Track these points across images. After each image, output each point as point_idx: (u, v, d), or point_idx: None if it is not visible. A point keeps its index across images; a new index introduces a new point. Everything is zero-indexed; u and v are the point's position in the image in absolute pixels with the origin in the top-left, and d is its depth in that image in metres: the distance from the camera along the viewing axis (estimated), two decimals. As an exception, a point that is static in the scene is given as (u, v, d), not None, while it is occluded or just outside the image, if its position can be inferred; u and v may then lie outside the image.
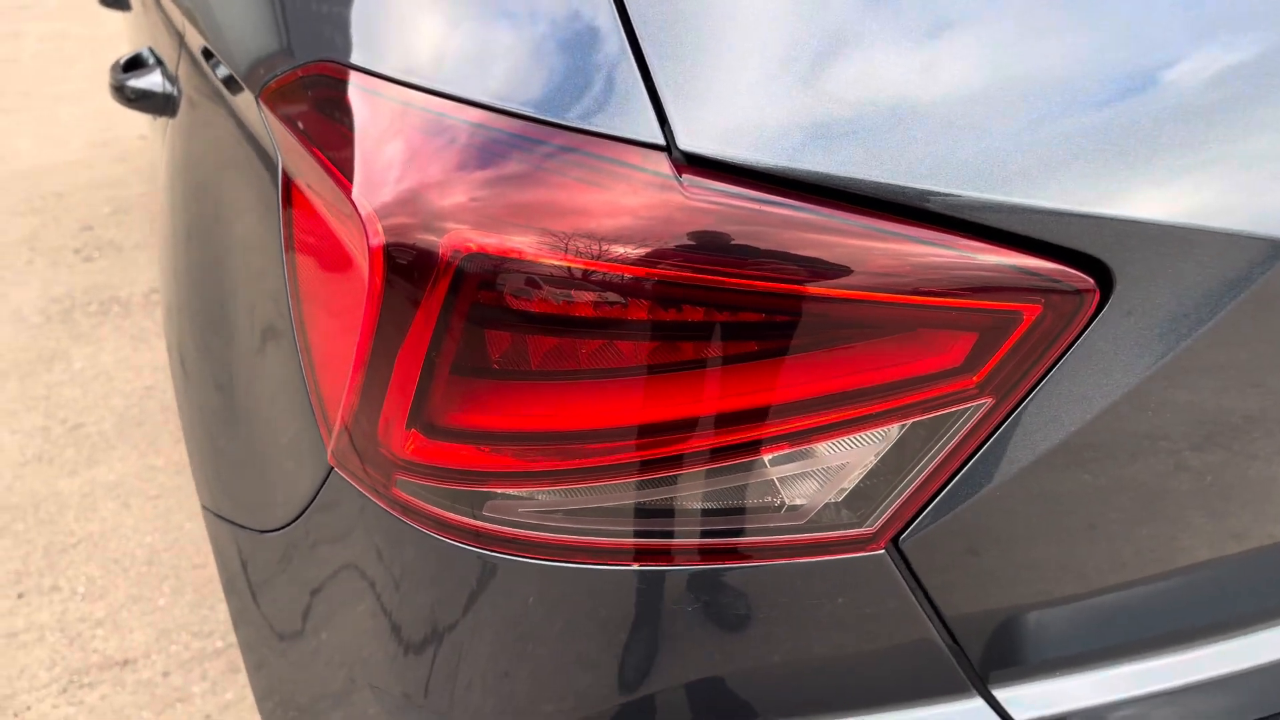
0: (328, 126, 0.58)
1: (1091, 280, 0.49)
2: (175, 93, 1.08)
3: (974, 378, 0.51)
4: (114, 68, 1.24)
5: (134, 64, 1.23)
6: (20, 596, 1.99)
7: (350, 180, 0.55)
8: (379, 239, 0.52)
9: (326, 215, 0.58)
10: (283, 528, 0.70)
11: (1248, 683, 0.65)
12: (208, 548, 2.09)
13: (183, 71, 1.01)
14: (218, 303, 0.77)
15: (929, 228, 0.49)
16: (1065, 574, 0.58)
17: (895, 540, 0.54)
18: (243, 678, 1.82)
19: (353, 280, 0.56)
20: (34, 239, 3.41)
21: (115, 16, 5.83)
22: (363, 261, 0.54)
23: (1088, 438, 0.52)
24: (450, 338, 0.52)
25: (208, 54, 0.88)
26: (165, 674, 1.83)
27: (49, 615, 1.94)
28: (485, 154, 0.51)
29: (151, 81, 1.15)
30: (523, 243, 0.50)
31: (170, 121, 1.09)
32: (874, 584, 0.55)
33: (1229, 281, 0.50)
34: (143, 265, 3.22)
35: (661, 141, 0.49)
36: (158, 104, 1.14)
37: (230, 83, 0.77)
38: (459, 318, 0.52)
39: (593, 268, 0.49)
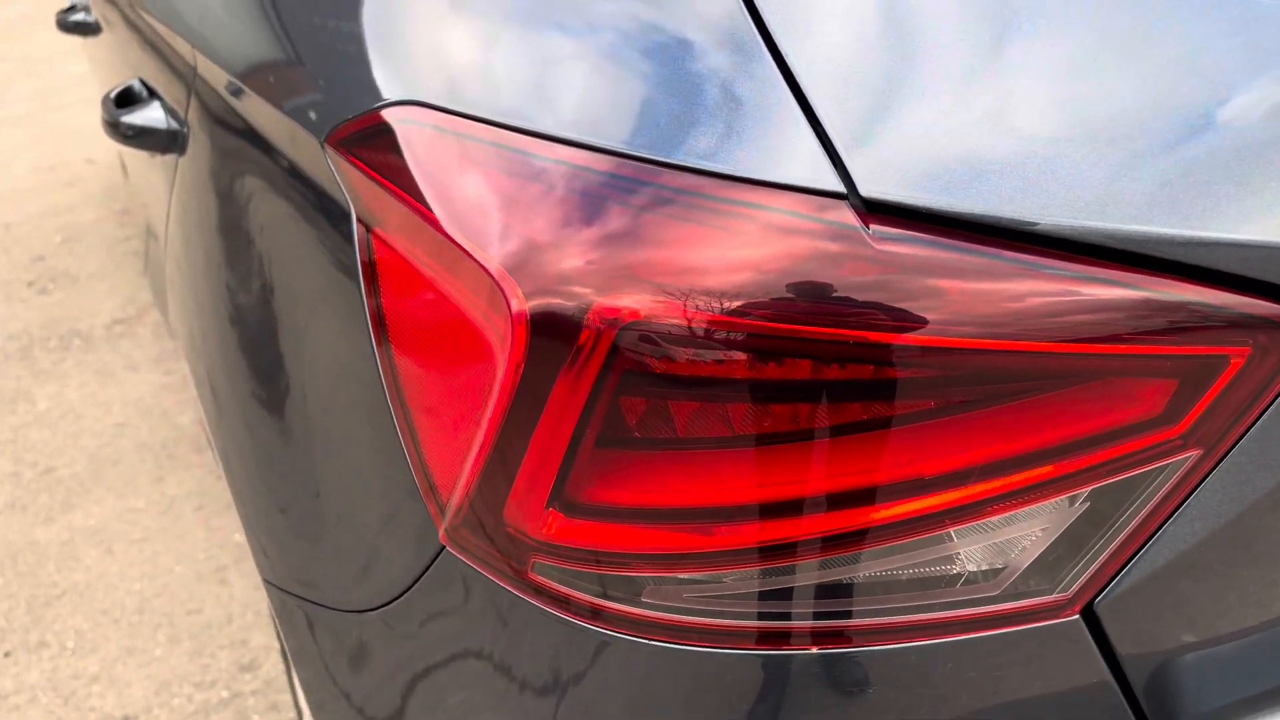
0: (428, 177, 0.53)
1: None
2: (183, 129, 1.01)
3: (1178, 428, 0.47)
4: (105, 102, 1.16)
5: (126, 98, 1.15)
6: (6, 655, 1.89)
7: (473, 239, 0.49)
8: (521, 305, 0.47)
9: (433, 276, 0.53)
10: (377, 609, 0.64)
11: None
12: (201, 590, 2.01)
13: (196, 108, 0.94)
14: (279, 367, 0.70)
15: (1126, 269, 0.45)
16: (1235, 613, 0.55)
17: (1090, 604, 0.50)
18: (253, 729, 1.74)
19: (471, 346, 0.51)
20: (-16, 272, 3.28)
21: (55, 38, 5.63)
22: (493, 327, 0.48)
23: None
24: (599, 409, 0.47)
25: (235, 90, 0.81)
26: (171, 731, 1.74)
27: (39, 674, 1.85)
28: (637, 210, 0.46)
29: (151, 117, 1.08)
30: (685, 306, 0.45)
31: (179, 159, 1.02)
32: (1064, 653, 0.51)
33: None
34: (101, 295, 3.10)
35: (841, 189, 0.45)
36: (160, 141, 1.06)
37: (278, 124, 0.71)
38: (610, 388, 0.47)
39: (766, 329, 0.45)
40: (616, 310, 0.45)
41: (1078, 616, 0.50)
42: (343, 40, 0.66)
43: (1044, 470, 0.47)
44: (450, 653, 0.61)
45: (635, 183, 0.46)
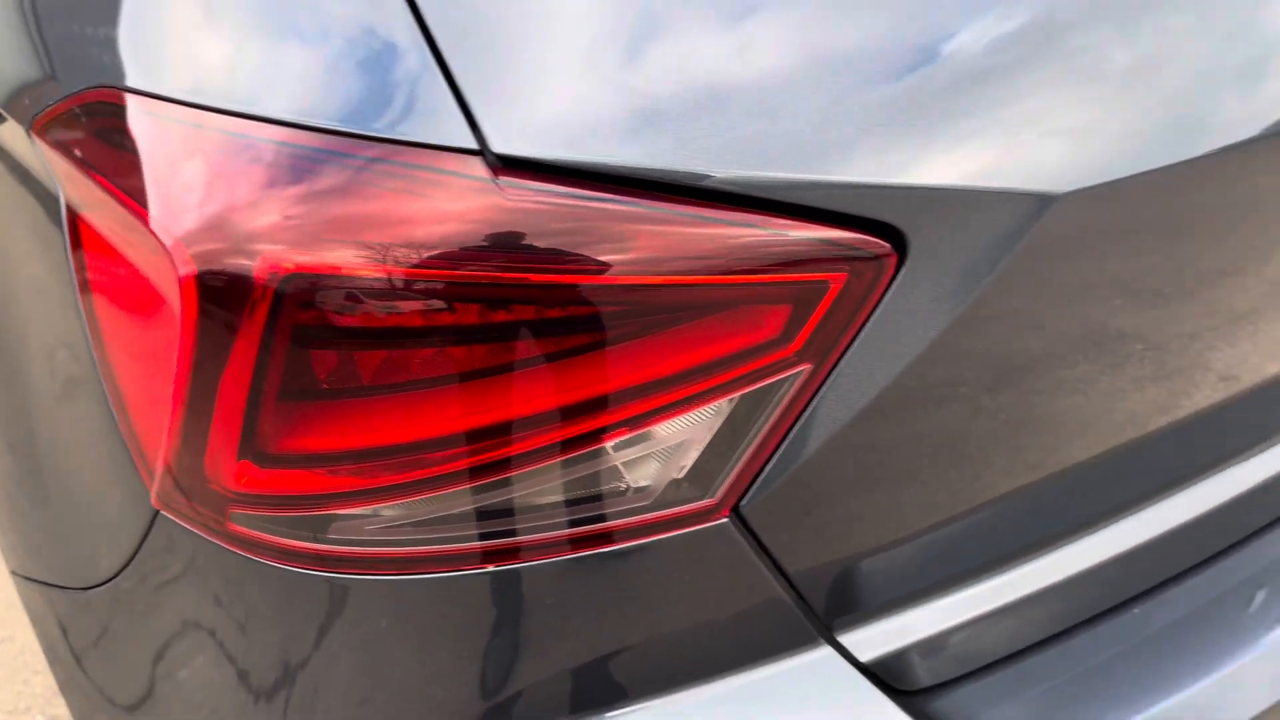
0: (114, 155, 0.55)
1: (888, 245, 0.53)
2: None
3: (792, 346, 0.54)
4: None
5: None
6: None
7: (147, 209, 0.52)
8: (188, 268, 0.50)
9: (123, 249, 0.55)
10: (107, 581, 0.66)
11: (1063, 593, 0.71)
12: (11, 616, 1.93)
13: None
14: (6, 355, 0.71)
15: (738, 210, 0.51)
16: (891, 520, 0.62)
17: (737, 508, 0.57)
18: (68, 752, 1.69)
19: (160, 314, 0.54)
20: None
21: None
22: (171, 293, 0.52)
23: (898, 392, 0.56)
24: (275, 362, 0.51)
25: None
26: (-23, 762, 1.68)
27: None
28: (293, 171, 0.50)
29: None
30: (341, 257, 0.49)
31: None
32: (722, 552, 0.57)
33: (1006, 235, 0.55)
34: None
35: (475, 146, 0.50)
36: None
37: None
38: (282, 341, 0.50)
39: (416, 276, 0.49)
40: (277, 267, 0.49)
41: (727, 519, 0.57)
42: (52, 29, 0.67)
43: (682, 391, 0.53)
44: (182, 619, 0.63)
45: (289, 147, 0.50)
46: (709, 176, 0.51)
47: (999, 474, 0.65)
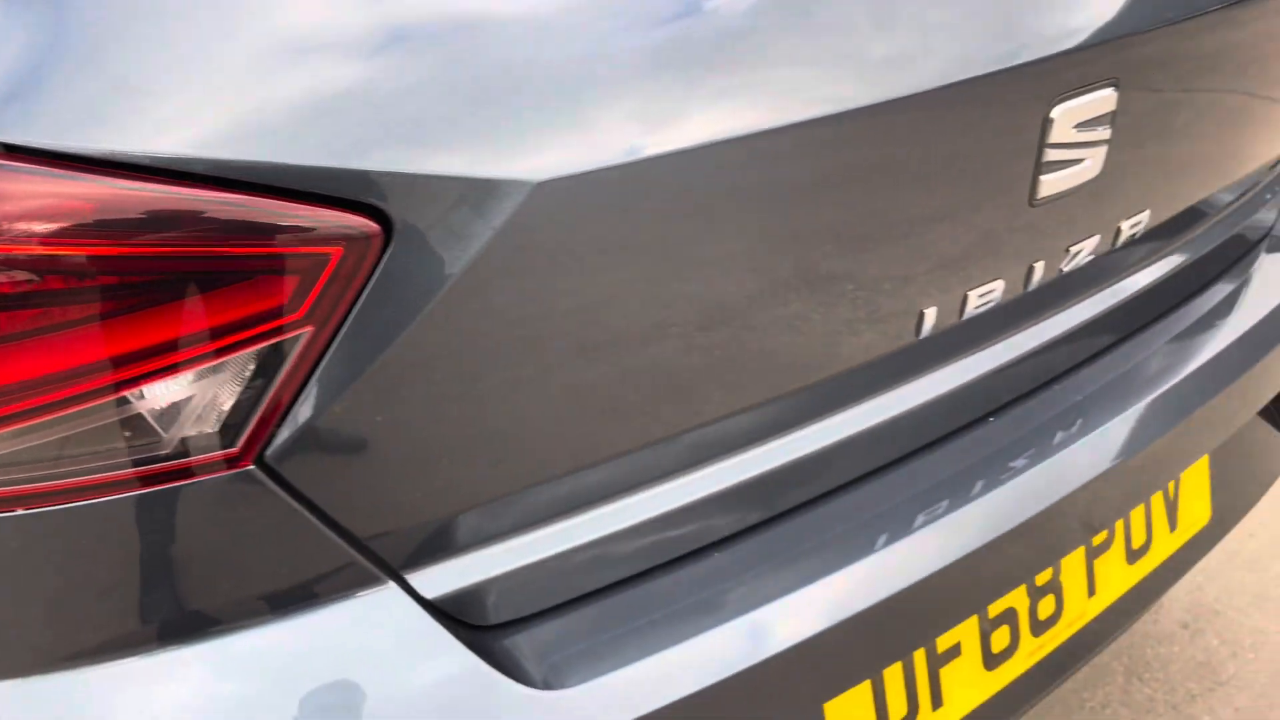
0: None
1: (376, 225, 0.61)
2: None
3: (299, 311, 0.61)
4: None
5: None
6: None
7: None
8: None
9: None
10: None
11: (643, 534, 0.79)
12: None
13: None
14: None
15: (246, 194, 0.59)
16: (441, 466, 0.69)
17: (261, 457, 0.64)
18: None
19: None
20: None
21: None
22: None
23: (408, 351, 0.63)
24: None
25: None
26: None
27: None
28: None
29: None
30: None
31: None
32: (257, 498, 0.64)
33: (488, 218, 0.63)
34: None
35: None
36: None
37: None
38: None
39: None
40: None
41: (252, 467, 0.64)
42: None
43: (206, 346, 0.60)
44: None
45: None
46: (208, 160, 0.58)
47: (538, 426, 0.71)
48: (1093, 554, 1.13)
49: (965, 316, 0.93)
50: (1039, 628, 1.09)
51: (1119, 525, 1.15)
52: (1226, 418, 1.20)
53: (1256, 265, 1.31)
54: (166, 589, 0.66)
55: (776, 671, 0.82)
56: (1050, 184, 0.91)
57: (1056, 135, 0.88)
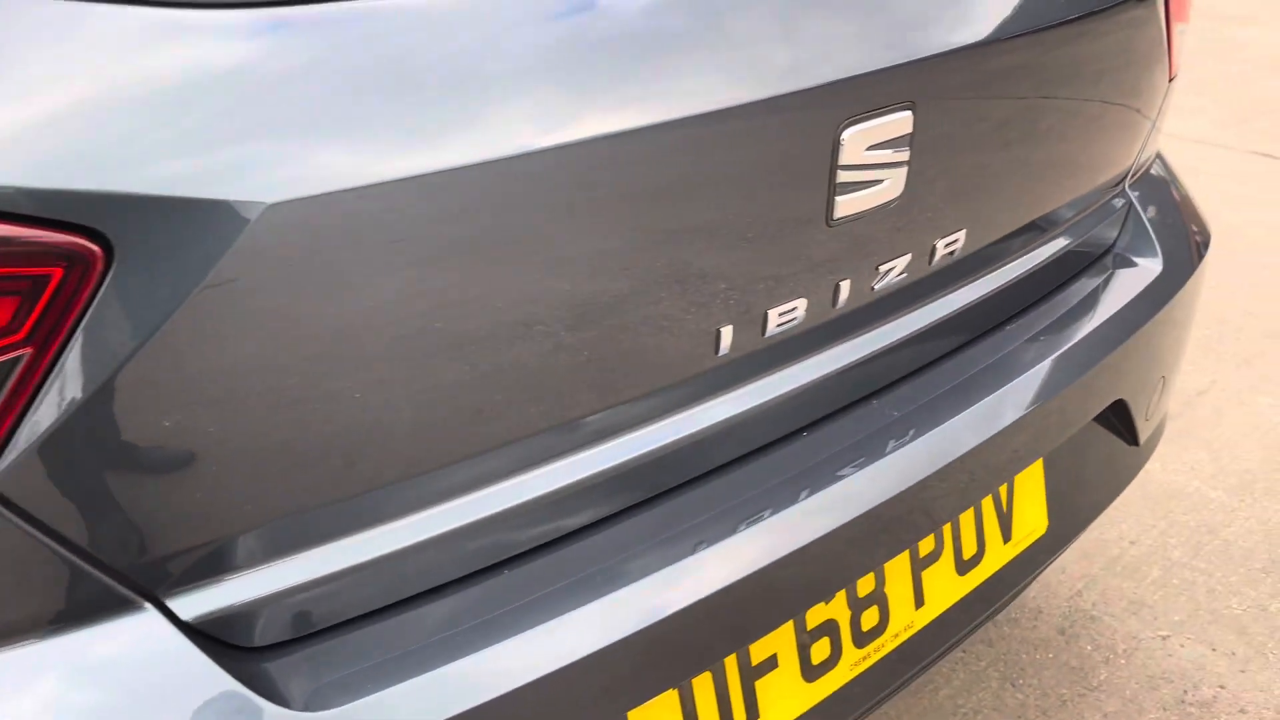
0: None
1: (97, 247, 0.61)
2: None
3: (19, 334, 0.61)
4: None
5: None
6: None
7: None
8: None
9: None
10: None
11: (415, 560, 0.80)
12: None
13: None
14: None
15: None
16: (189, 484, 0.69)
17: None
18: None
19: None
20: None
21: None
22: None
23: (138, 372, 0.63)
24: None
25: None
26: None
27: None
28: None
29: None
30: None
31: None
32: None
33: (208, 247, 0.62)
34: None
35: None
36: None
37: None
38: None
39: None
40: None
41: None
42: None
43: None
44: None
45: None
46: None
47: (289, 451, 0.71)
48: (920, 564, 1.15)
49: (768, 335, 0.94)
50: (862, 639, 1.10)
51: (948, 534, 1.17)
52: (1056, 422, 1.22)
53: (1093, 279, 1.35)
54: None
55: (568, 683, 0.83)
56: (847, 205, 0.92)
57: (848, 157, 0.90)
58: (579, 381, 0.83)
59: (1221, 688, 1.82)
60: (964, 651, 1.89)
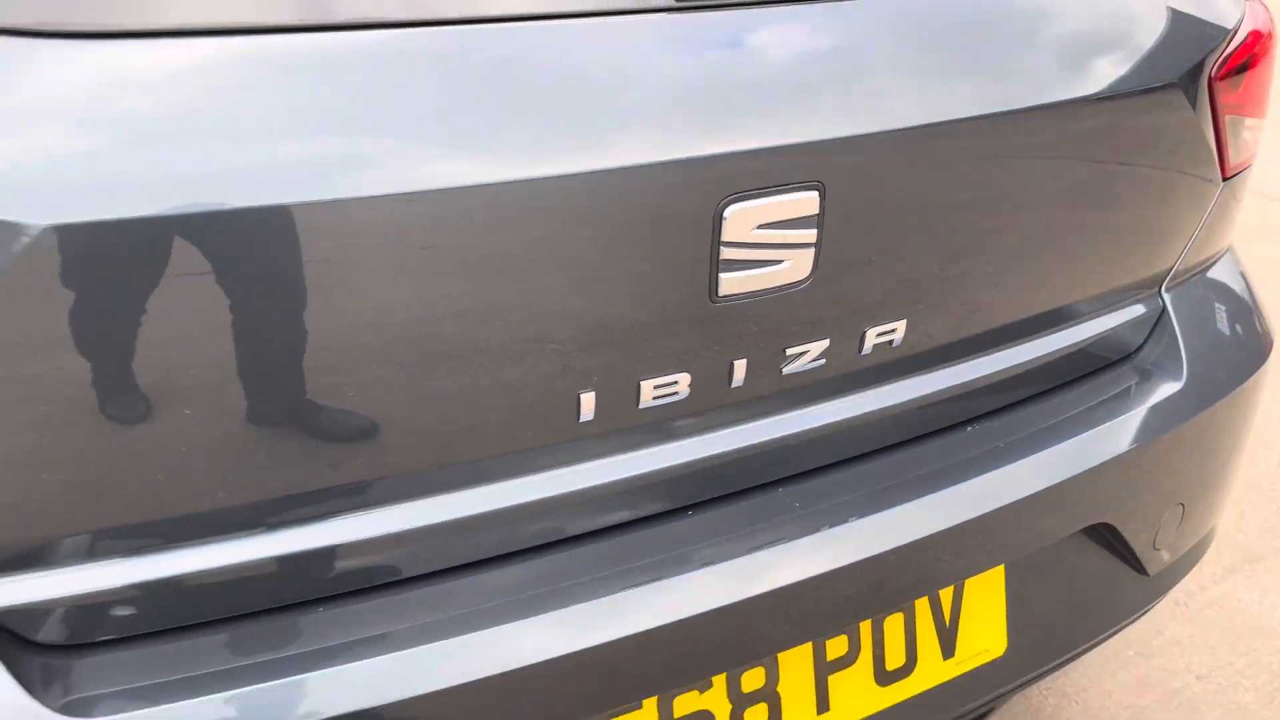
0: None
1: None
2: None
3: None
4: None
5: None
6: None
7: None
8: None
9: None
10: None
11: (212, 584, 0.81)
12: None
13: None
14: None
15: None
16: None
17: None
18: None
19: None
20: None
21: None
22: None
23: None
24: None
25: None
26: None
27: None
28: None
29: None
30: None
31: None
32: None
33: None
34: None
35: None
36: None
37: None
38: None
39: None
40: None
41: None
42: None
43: None
44: None
45: None
46: None
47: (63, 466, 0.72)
48: (827, 667, 1.08)
49: (642, 405, 0.91)
50: (747, 737, 1.04)
51: (865, 637, 1.09)
52: (1012, 533, 1.12)
53: (1097, 386, 1.23)
54: None
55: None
56: (734, 282, 0.88)
57: (731, 234, 0.86)
58: (429, 431, 0.83)
59: None
60: (974, 764, 1.76)
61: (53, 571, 0.77)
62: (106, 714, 0.76)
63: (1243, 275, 1.45)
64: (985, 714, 1.31)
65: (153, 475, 0.76)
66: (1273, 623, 2.07)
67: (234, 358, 0.74)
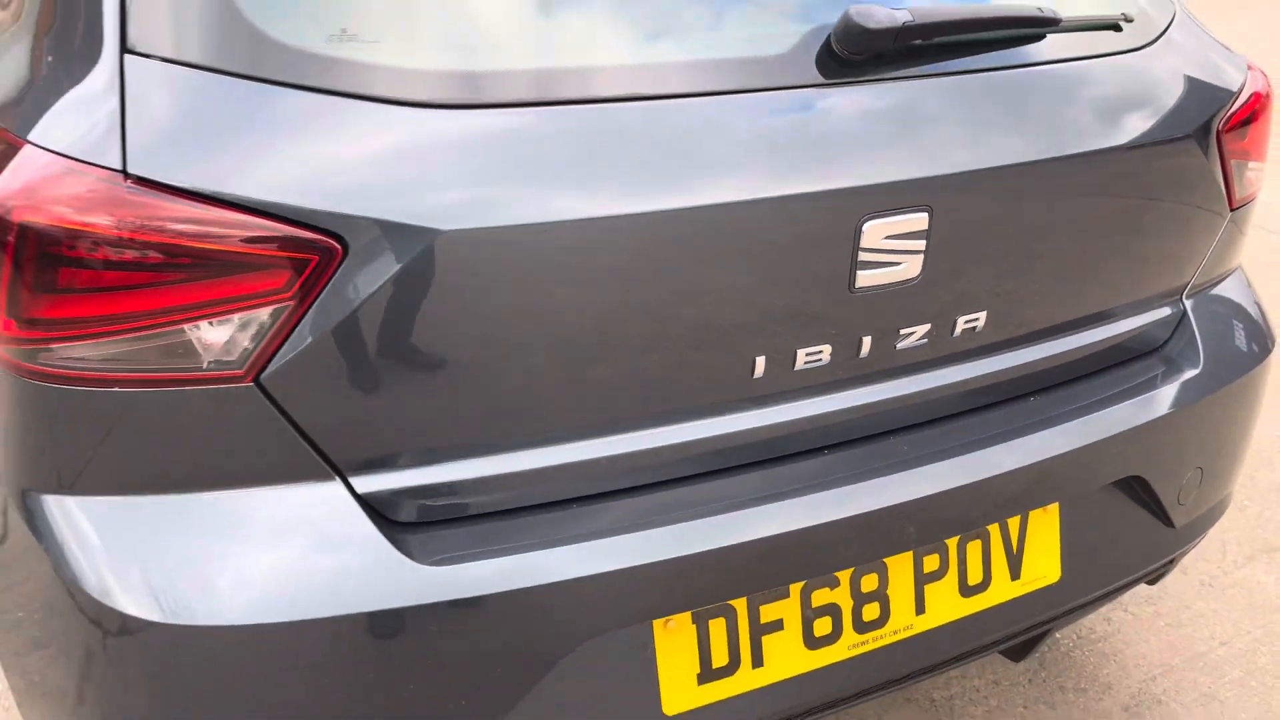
0: None
1: (336, 243, 1.01)
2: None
3: (291, 291, 1.02)
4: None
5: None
6: None
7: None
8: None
9: None
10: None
11: (548, 477, 1.17)
12: None
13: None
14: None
15: (246, 213, 1.00)
16: (374, 400, 1.07)
17: (258, 378, 1.04)
18: None
19: None
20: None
21: None
22: None
23: (359, 322, 1.03)
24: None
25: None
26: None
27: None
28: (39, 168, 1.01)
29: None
30: (61, 214, 1.00)
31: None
32: (252, 404, 1.05)
33: (401, 249, 1.02)
34: None
35: (120, 167, 1.00)
36: None
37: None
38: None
39: (80, 228, 0.99)
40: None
41: (251, 384, 1.04)
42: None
43: (228, 307, 1.02)
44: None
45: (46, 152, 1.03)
46: (258, 200, 1.00)
47: (439, 396, 1.08)
48: (924, 578, 1.41)
49: (797, 368, 1.26)
50: (863, 627, 1.38)
51: (953, 556, 1.42)
52: (1067, 476, 1.45)
53: (1134, 369, 1.57)
54: (186, 453, 1.07)
55: (611, 586, 1.17)
56: (867, 278, 1.23)
57: (868, 242, 1.21)
58: (656, 388, 1.19)
59: (1269, 783, 1.92)
60: (1025, 709, 2.07)
61: (406, 471, 1.13)
62: (445, 564, 1.11)
63: (1250, 288, 1.78)
64: (1042, 635, 1.63)
65: (497, 405, 1.12)
66: (1287, 601, 2.37)
67: (553, 336, 1.10)
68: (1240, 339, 1.65)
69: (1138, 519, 1.58)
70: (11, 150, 1.04)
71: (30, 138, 1.04)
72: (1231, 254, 1.68)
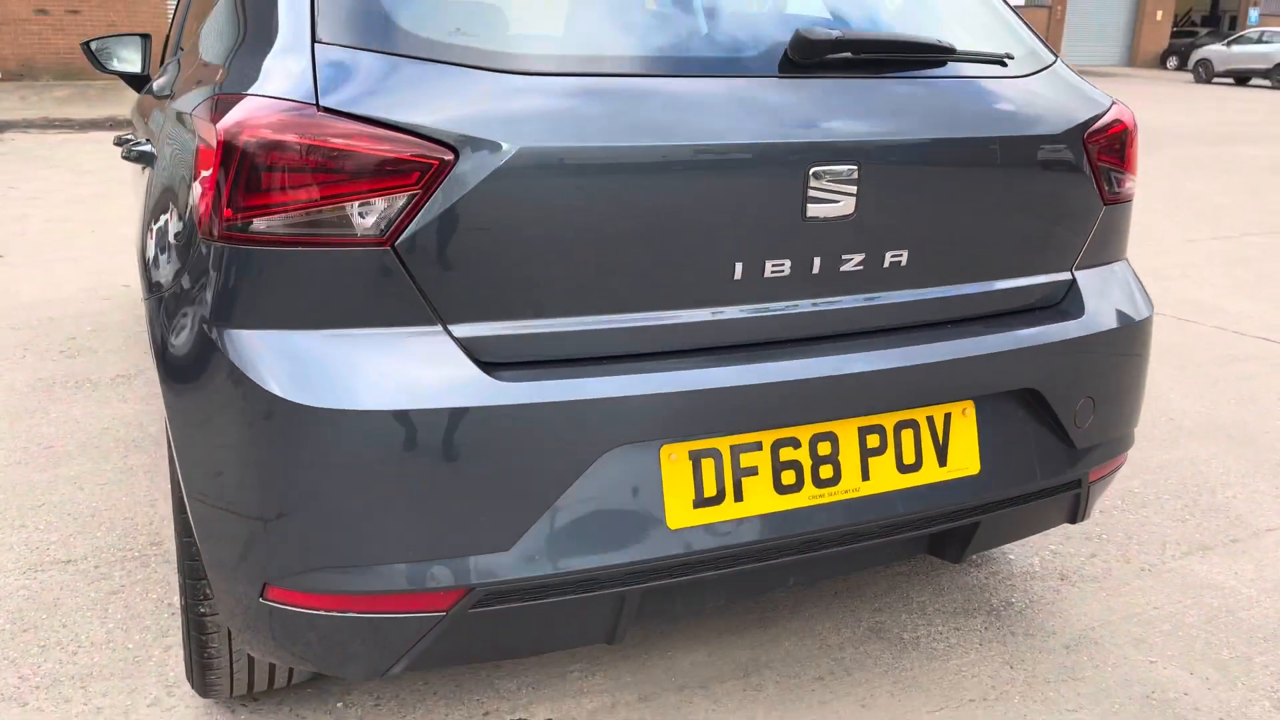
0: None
1: (451, 151, 1.53)
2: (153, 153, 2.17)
3: (418, 185, 1.53)
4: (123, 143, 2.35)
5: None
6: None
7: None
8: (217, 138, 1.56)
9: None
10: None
11: (611, 337, 1.65)
12: (136, 512, 2.96)
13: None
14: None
15: (392, 129, 1.53)
16: (486, 269, 1.57)
17: (393, 245, 1.54)
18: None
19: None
20: (28, 343, 4.39)
21: (117, 210, 7.00)
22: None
23: (465, 208, 1.54)
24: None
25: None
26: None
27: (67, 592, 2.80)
28: (257, 107, 1.56)
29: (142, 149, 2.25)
30: (279, 134, 1.54)
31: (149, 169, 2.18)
32: (387, 264, 1.54)
33: (490, 161, 1.54)
34: (112, 362, 4.19)
35: (314, 101, 1.54)
36: (148, 159, 2.23)
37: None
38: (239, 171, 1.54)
39: (309, 142, 1.53)
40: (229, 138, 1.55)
41: (390, 248, 1.54)
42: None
43: (378, 192, 1.53)
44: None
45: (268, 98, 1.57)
46: (415, 125, 1.53)
47: (529, 277, 1.59)
48: (868, 452, 1.86)
49: (765, 276, 1.75)
50: (820, 483, 1.82)
51: (890, 437, 1.87)
52: (975, 376, 1.91)
53: (1033, 313, 2.05)
54: (339, 298, 1.57)
55: (627, 408, 1.63)
56: (814, 210, 1.74)
57: (814, 184, 1.73)
58: (664, 279, 1.69)
59: (1185, 693, 2.27)
60: (982, 647, 2.43)
61: (488, 323, 1.62)
62: (511, 382, 1.59)
63: (1132, 272, 2.27)
64: (971, 534, 2.05)
65: (551, 279, 1.62)
66: (1216, 581, 2.73)
67: (605, 233, 1.62)
68: (1118, 303, 2.13)
69: (1042, 431, 2.03)
70: (237, 98, 1.59)
71: (250, 91, 1.59)
72: (1115, 243, 2.19)
